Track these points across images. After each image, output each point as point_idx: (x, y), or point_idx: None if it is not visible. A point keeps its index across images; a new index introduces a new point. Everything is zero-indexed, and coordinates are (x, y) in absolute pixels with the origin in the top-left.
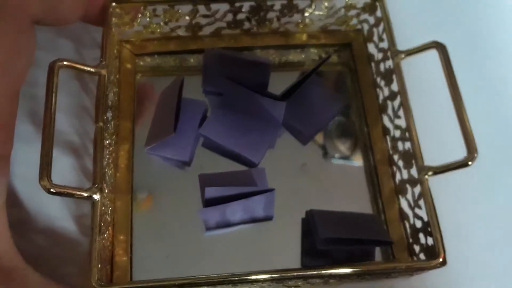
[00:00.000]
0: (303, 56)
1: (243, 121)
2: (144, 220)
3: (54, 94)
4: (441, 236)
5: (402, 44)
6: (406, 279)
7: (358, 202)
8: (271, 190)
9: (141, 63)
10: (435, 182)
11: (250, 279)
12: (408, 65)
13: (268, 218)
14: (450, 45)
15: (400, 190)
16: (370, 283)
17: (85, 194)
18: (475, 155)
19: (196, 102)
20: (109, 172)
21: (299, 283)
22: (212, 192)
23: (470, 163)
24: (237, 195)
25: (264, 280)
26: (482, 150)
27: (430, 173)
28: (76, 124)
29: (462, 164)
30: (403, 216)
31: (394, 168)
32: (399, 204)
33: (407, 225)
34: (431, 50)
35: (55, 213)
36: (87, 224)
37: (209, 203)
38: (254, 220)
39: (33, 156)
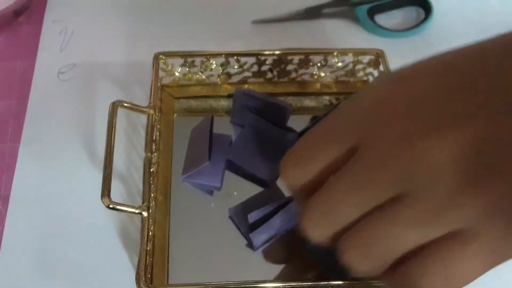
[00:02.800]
0: (316, 102)
1: (261, 148)
2: (179, 234)
3: (113, 129)
4: None
5: None
6: None
7: None
8: None
9: (178, 105)
10: None
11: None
12: None
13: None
14: None
15: None
16: None
17: (136, 211)
18: None
19: (223, 136)
20: (152, 194)
21: None
22: (254, 216)
23: None
24: (273, 210)
25: None
26: None
27: None
28: (123, 155)
29: None
30: None
31: None
32: None
33: None
34: None
35: (104, 230)
36: (129, 240)
37: (253, 226)
38: (292, 226)
39: (87, 181)
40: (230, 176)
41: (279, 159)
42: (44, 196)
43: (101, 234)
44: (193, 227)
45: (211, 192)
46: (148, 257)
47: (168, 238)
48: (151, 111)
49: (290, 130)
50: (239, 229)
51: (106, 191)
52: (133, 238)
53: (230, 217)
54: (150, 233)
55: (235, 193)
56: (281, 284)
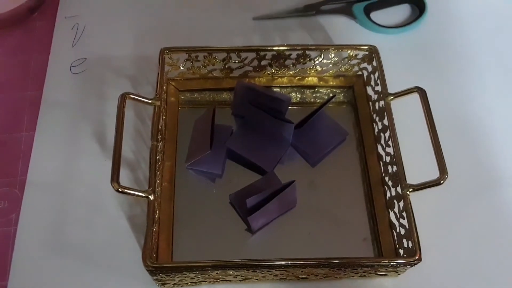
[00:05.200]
0: (314, 95)
1: (260, 138)
2: (183, 217)
3: (122, 119)
4: (417, 239)
5: (393, 87)
6: (394, 278)
7: (357, 214)
8: (293, 181)
9: (183, 97)
10: (418, 197)
11: (267, 264)
12: (398, 104)
13: (294, 205)
14: (430, 89)
15: (389, 205)
16: (360, 280)
17: (143, 195)
18: (446, 176)
19: (224, 126)
20: (158, 180)
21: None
22: (252, 201)
23: (442, 182)
24: (270, 196)
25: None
26: (453, 173)
27: (410, 189)
28: (131, 144)
29: (435, 183)
30: (391, 226)
31: (385, 188)
32: (389, 217)
33: (395, 234)
34: (414, 94)
35: (113, 212)
36: (137, 222)
37: (252, 210)
38: (287, 210)
39: (97, 168)
40: (231, 165)
41: (277, 149)
42: (58, 181)
43: (110, 217)
44: (196, 211)
45: (213, 179)
46: (153, 238)
47: (172, 221)
48: (157, 103)
49: (288, 121)
50: (238, 213)
51: (115, 176)
52: (140, 221)
53: (231, 203)
54: (156, 216)
55: (235, 180)
56: (278, 262)
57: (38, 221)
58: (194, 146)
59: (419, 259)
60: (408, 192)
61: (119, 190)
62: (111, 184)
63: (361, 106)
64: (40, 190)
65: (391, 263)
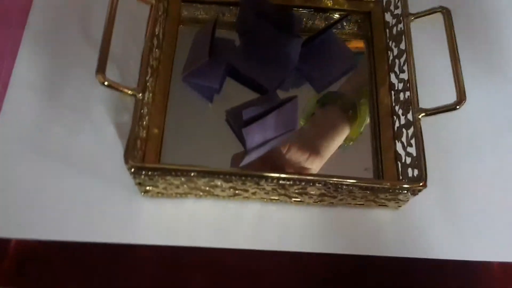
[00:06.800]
0: (326, 22)
1: (264, 55)
2: (174, 132)
3: (115, 5)
4: (425, 165)
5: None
6: (393, 212)
7: (361, 145)
8: (295, 96)
9: (186, 12)
10: (427, 128)
11: (258, 174)
12: (415, 31)
13: (294, 125)
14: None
15: (397, 135)
16: (357, 210)
17: (130, 92)
18: (464, 101)
19: (226, 40)
20: (149, 85)
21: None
22: (249, 112)
23: (458, 107)
24: (269, 109)
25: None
26: (470, 100)
27: (423, 114)
28: (123, 45)
29: (451, 108)
30: (397, 158)
31: (395, 118)
32: (395, 149)
33: (399, 165)
34: (437, 14)
35: (100, 118)
36: (125, 131)
37: (248, 123)
38: (285, 131)
39: (87, 71)
40: (230, 83)
41: (282, 68)
42: (44, 82)
43: (96, 122)
44: (189, 127)
45: (210, 97)
46: (140, 144)
47: (162, 134)
48: (153, 1)
49: (297, 36)
50: (234, 132)
51: (101, 68)
52: (128, 130)
53: (227, 120)
54: (145, 123)
55: (234, 98)
56: (271, 174)
57: (20, 118)
58: (192, 57)
59: (424, 185)
60: (419, 117)
61: (106, 83)
62: (96, 76)
63: (377, 35)
64: (25, 89)
65: (395, 188)
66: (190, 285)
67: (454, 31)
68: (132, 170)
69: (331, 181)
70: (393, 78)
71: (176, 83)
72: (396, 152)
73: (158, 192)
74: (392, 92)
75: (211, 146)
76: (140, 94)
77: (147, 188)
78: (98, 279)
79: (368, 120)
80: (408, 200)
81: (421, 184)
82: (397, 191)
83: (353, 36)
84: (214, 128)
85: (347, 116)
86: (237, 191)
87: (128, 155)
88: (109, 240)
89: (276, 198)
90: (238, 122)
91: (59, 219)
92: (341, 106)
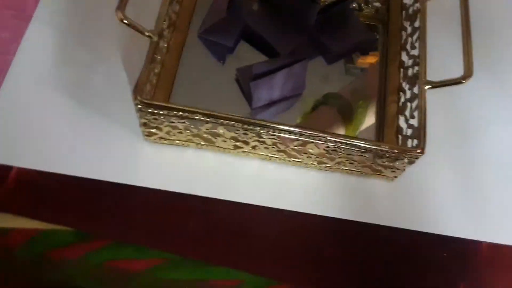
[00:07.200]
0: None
1: (281, 19)
2: (184, 83)
3: None
4: (424, 133)
5: None
6: (389, 184)
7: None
8: (304, 58)
9: None
10: (432, 100)
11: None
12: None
13: (301, 90)
14: None
15: (401, 109)
16: (353, 177)
17: (146, 33)
18: (470, 76)
19: (246, 2)
20: (167, 32)
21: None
22: (259, 67)
23: (464, 81)
24: (279, 67)
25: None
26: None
27: (429, 86)
28: None
29: (457, 81)
30: (398, 131)
31: (400, 94)
32: (398, 123)
33: (400, 138)
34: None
35: (115, 61)
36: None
37: (257, 77)
38: (292, 95)
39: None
40: (244, 46)
41: (297, 33)
42: (65, 20)
43: (110, 66)
44: (199, 81)
45: (223, 58)
46: (150, 86)
47: (172, 83)
48: None
49: (314, 1)
50: (242, 91)
51: (121, 6)
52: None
53: (237, 80)
54: (157, 63)
55: (246, 60)
56: (273, 125)
57: (38, 55)
58: (210, 15)
59: (422, 152)
60: (426, 88)
61: (124, 21)
62: (115, 13)
63: (393, 16)
64: (46, 26)
65: (392, 151)
66: (182, 230)
67: (468, 5)
68: (139, 106)
69: (331, 138)
70: (403, 57)
71: (191, 40)
72: (398, 126)
73: (161, 137)
74: (402, 70)
75: (218, 105)
76: (156, 37)
77: (151, 130)
78: (92, 215)
79: (363, 124)
80: (404, 170)
81: (418, 150)
82: (394, 155)
83: (370, 19)
84: (223, 87)
85: (343, 118)
86: (238, 143)
87: (137, 91)
88: (107, 179)
89: (276, 156)
90: (247, 79)
91: (61, 154)
92: (338, 107)
